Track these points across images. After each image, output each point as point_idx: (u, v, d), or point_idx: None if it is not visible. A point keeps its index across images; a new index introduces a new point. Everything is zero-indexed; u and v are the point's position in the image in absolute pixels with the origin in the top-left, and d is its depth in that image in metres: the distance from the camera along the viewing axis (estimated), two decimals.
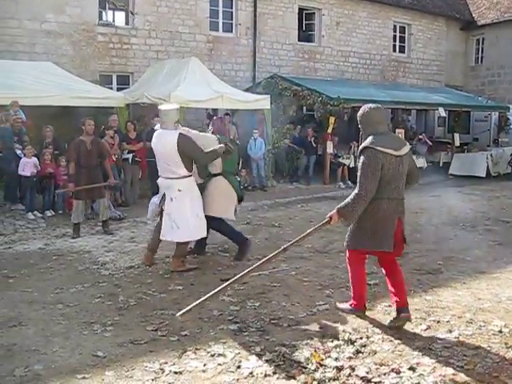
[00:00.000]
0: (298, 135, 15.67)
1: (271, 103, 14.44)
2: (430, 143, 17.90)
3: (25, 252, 7.74)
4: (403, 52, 22.20)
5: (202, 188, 6.83)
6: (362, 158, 4.69)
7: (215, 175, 7.00)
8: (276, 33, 18.32)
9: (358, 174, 4.67)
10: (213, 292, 4.70)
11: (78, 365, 4.13)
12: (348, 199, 4.67)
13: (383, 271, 5.07)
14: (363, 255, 5.02)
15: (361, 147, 4.77)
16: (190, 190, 6.52)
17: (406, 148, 4.80)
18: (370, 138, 4.70)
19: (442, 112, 17.49)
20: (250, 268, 4.94)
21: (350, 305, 5.19)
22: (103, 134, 11.06)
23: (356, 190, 4.64)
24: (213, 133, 7.14)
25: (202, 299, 4.65)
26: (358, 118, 4.96)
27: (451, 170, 17.58)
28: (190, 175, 6.54)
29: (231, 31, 17.64)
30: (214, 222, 6.99)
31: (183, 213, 6.44)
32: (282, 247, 5.00)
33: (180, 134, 6.38)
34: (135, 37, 15.65)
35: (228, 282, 4.87)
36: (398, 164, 4.68)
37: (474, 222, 9.59)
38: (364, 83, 19.52)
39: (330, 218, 4.76)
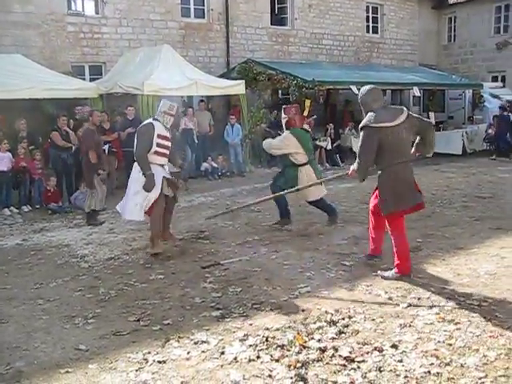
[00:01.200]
0: (274, 119, 15.64)
1: (246, 88, 14.38)
2: None
3: (2, 248, 7.64)
4: (376, 33, 22.19)
5: (295, 178, 7.64)
6: (361, 134, 5.50)
7: (303, 165, 7.72)
8: (248, 17, 18.17)
9: (358, 147, 5.55)
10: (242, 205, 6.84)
11: (60, 359, 4.09)
12: (355, 164, 5.60)
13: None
14: (402, 217, 5.56)
15: (360, 125, 5.52)
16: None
17: (403, 116, 5.45)
18: (367, 117, 5.42)
19: (416, 91, 17.57)
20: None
21: (396, 272, 5.53)
22: (78, 126, 10.95)
23: (357, 160, 5.54)
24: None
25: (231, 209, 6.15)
26: (359, 100, 5.68)
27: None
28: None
29: (203, 17, 17.42)
30: (319, 203, 7.97)
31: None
32: (295, 188, 7.22)
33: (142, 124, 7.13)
34: (106, 26, 15.38)
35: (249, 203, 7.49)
36: (398, 132, 5.38)
37: (452, 199, 9.69)
38: (338, 65, 19.50)
39: (349, 173, 5.81)
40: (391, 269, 5.60)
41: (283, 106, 8.12)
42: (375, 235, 5.92)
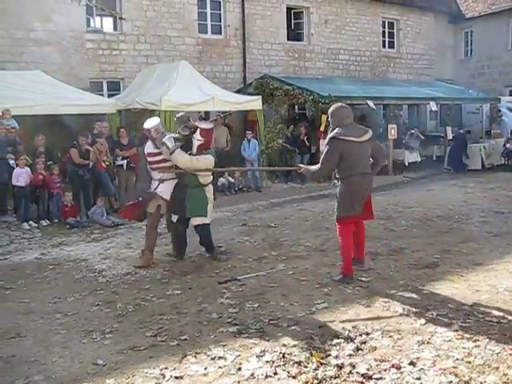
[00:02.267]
0: (290, 134, 15.69)
1: (263, 103, 14.44)
2: (423, 137, 17.91)
3: (21, 262, 7.71)
4: (393, 47, 22.23)
5: (204, 197, 7.19)
6: (327, 144, 6.03)
7: (207, 184, 7.27)
8: (265, 33, 18.31)
9: (322, 155, 6.12)
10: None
11: (78, 374, 4.11)
12: (315, 167, 6.33)
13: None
14: (352, 224, 6.10)
15: (329, 136, 6.07)
16: None
17: (368, 135, 6.05)
18: (336, 130, 5.98)
19: (433, 106, 17.53)
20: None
21: (342, 273, 6.10)
22: (94, 142, 11.07)
23: (319, 165, 6.16)
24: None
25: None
26: (329, 114, 6.27)
27: (446, 164, 17.55)
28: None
29: (220, 33, 17.62)
30: (204, 230, 7.33)
31: None
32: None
33: None
34: (124, 42, 15.62)
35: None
36: (360, 148, 5.96)
37: (469, 214, 9.61)
38: (354, 80, 19.53)
39: (301, 168, 6.64)
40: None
41: (201, 127, 7.08)
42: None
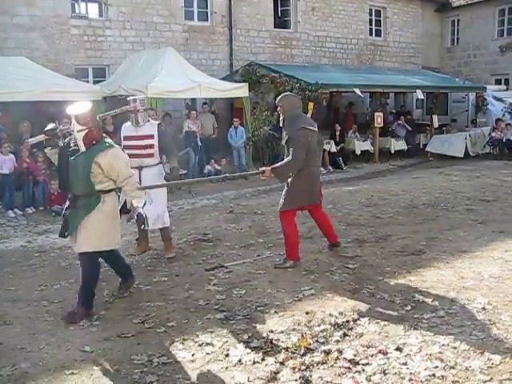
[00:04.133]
0: (277, 122, 15.64)
1: (249, 91, 14.39)
2: (409, 128, 17.97)
3: (7, 250, 7.66)
4: (379, 35, 22.19)
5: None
6: (297, 135, 5.85)
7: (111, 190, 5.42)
8: (252, 20, 18.20)
9: (293, 146, 5.85)
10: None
11: (65, 361, 4.11)
12: (283, 163, 5.99)
13: (315, 221, 6.55)
14: (294, 213, 6.20)
15: (298, 127, 5.88)
16: None
17: (315, 125, 6.18)
18: (301, 120, 5.98)
19: (419, 94, 17.56)
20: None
21: (290, 260, 6.16)
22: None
23: (290, 158, 5.89)
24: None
25: None
26: (280, 103, 6.10)
27: (429, 148, 17.66)
28: None
29: (207, 20, 17.47)
30: (113, 258, 5.61)
31: None
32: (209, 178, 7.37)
33: None
34: (110, 28, 15.44)
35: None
36: (316, 138, 6.09)
37: (455, 202, 9.68)
38: (341, 68, 19.51)
39: (264, 171, 6.05)
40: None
41: (74, 113, 4.91)
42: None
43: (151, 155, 6.59)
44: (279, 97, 6.24)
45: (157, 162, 6.68)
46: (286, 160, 5.99)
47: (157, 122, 6.90)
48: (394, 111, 19.74)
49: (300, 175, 5.97)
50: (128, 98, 6.80)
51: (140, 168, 6.45)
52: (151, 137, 6.56)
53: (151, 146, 6.56)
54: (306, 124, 5.98)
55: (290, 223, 6.15)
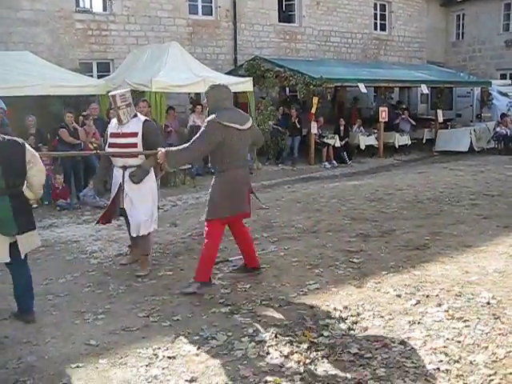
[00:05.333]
0: (281, 116, 15.65)
1: (254, 85, 14.37)
2: (414, 123, 17.92)
3: None
4: (384, 30, 22.13)
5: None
6: (204, 125, 5.16)
7: None
8: (256, 14, 18.16)
9: (196, 136, 5.13)
10: None
11: (71, 354, 4.13)
12: (178, 147, 5.34)
13: (235, 238, 5.72)
14: (223, 226, 5.42)
15: (207, 119, 5.21)
16: None
17: (250, 122, 5.36)
18: (216, 113, 5.16)
19: (424, 89, 17.52)
20: None
21: (197, 281, 5.30)
22: (83, 123, 10.99)
23: (187, 145, 5.21)
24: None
25: None
26: (206, 94, 5.47)
27: (436, 147, 17.68)
28: None
29: (211, 14, 17.44)
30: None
31: None
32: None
33: None
34: (114, 23, 15.43)
35: None
36: (242, 136, 5.23)
37: (460, 196, 9.66)
38: (346, 62, 19.46)
39: (159, 152, 5.28)
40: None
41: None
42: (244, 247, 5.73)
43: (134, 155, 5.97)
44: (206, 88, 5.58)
45: (141, 162, 5.94)
46: (184, 145, 5.32)
47: (144, 118, 6.12)
48: (393, 104, 19.56)
49: (221, 178, 5.27)
50: (109, 94, 6.18)
51: (124, 168, 5.94)
52: (134, 135, 5.88)
53: (134, 145, 5.88)
54: (226, 120, 5.11)
55: (212, 235, 5.31)
